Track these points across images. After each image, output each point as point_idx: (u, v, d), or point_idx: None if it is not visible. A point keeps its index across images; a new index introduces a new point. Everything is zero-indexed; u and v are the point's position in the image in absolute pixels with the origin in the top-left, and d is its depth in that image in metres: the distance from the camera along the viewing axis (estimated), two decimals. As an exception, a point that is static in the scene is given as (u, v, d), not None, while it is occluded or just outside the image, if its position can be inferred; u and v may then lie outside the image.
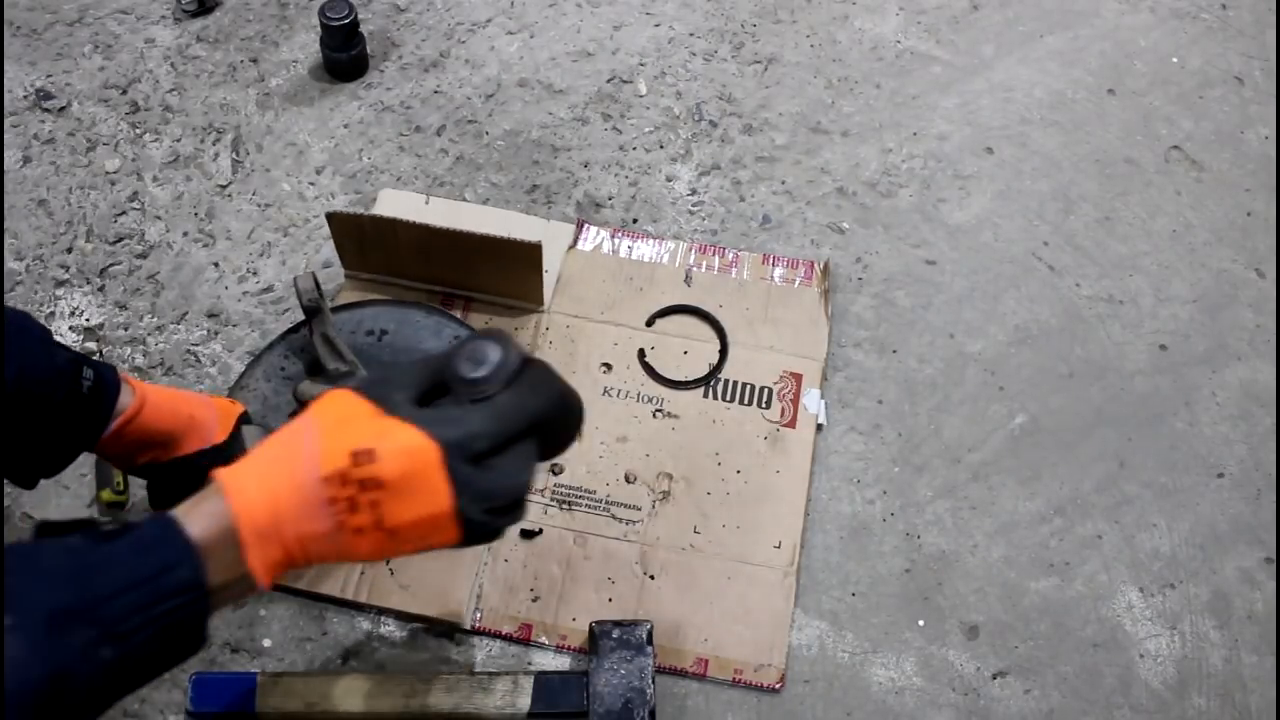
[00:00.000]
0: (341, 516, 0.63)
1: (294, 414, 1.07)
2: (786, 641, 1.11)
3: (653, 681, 1.02)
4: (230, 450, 0.94)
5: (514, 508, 0.69)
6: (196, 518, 0.61)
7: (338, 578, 1.12)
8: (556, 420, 0.73)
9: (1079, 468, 1.26)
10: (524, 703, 1.01)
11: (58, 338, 1.25)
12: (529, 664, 1.11)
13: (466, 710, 1.01)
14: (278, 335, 1.19)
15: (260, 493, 0.62)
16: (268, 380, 1.16)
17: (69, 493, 1.16)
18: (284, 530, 0.63)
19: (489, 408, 0.67)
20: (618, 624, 1.06)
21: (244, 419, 0.98)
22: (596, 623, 1.06)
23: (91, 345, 1.26)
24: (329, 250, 1.32)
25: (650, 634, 1.05)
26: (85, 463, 1.17)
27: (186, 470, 0.92)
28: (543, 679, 1.03)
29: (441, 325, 1.20)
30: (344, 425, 0.64)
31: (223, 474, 0.64)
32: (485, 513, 0.66)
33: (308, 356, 1.17)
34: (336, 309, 1.19)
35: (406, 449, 0.63)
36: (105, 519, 0.60)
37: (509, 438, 0.67)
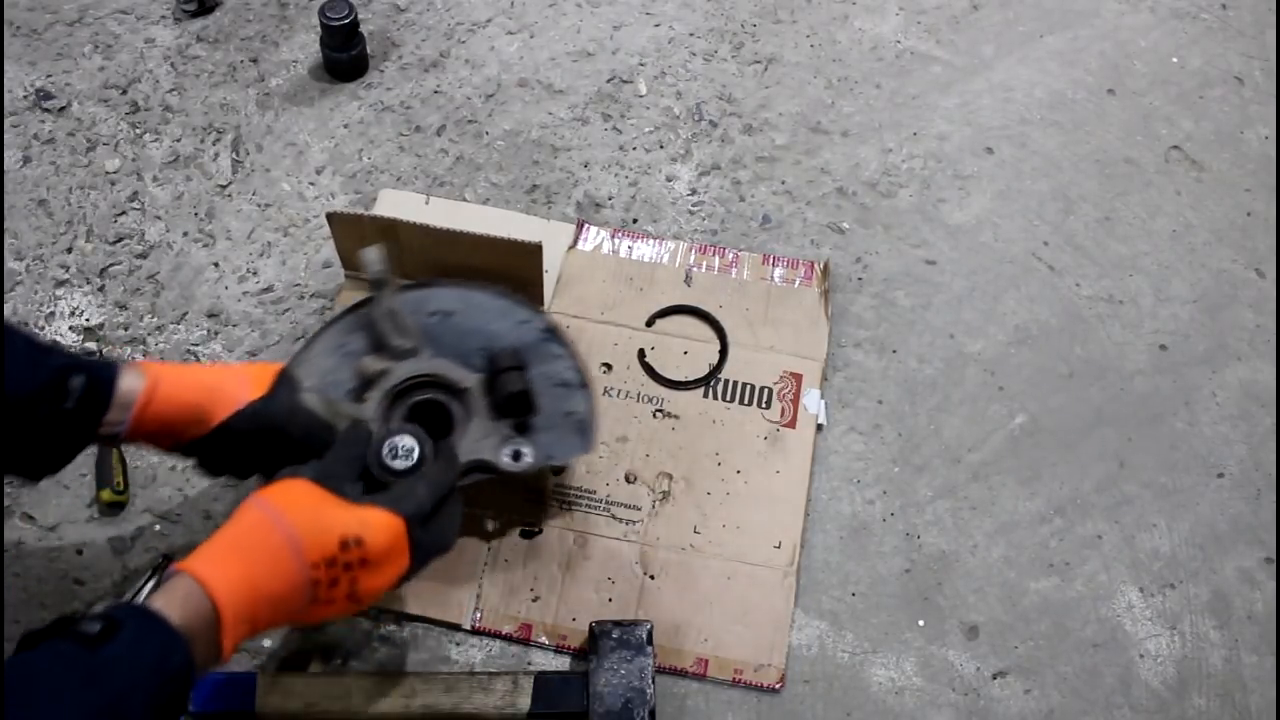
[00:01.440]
0: (320, 593, 0.78)
1: (354, 390, 1.07)
2: (786, 641, 1.11)
3: (653, 681, 1.02)
4: (272, 405, 0.92)
5: (446, 551, 0.90)
6: (177, 608, 0.71)
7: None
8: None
9: (1079, 468, 1.26)
10: (524, 703, 1.01)
11: (58, 337, 1.25)
12: (529, 664, 1.11)
13: (466, 710, 1.01)
14: (340, 310, 1.15)
15: (242, 584, 0.74)
16: (328, 356, 1.12)
17: (69, 493, 1.16)
18: (259, 613, 0.75)
19: (424, 483, 0.88)
20: (618, 624, 1.06)
21: (289, 378, 0.96)
22: (596, 623, 1.06)
23: (91, 345, 1.26)
24: (329, 250, 1.32)
25: (650, 634, 1.05)
26: (86, 463, 1.17)
27: (230, 434, 0.91)
28: (543, 679, 1.03)
29: (509, 308, 1.15)
30: (320, 516, 0.80)
31: (198, 567, 0.73)
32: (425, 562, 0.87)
33: (371, 333, 1.12)
34: (405, 286, 1.14)
35: (386, 528, 0.81)
36: (80, 615, 0.66)
37: (442, 500, 0.88)
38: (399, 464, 0.90)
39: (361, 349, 1.12)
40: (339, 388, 1.08)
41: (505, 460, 1.02)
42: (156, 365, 0.90)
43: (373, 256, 1.09)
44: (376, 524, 0.81)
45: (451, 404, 1.06)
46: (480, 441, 1.03)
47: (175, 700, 0.67)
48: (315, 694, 1.02)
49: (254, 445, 0.92)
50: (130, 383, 0.87)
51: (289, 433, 0.93)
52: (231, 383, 0.92)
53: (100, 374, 0.86)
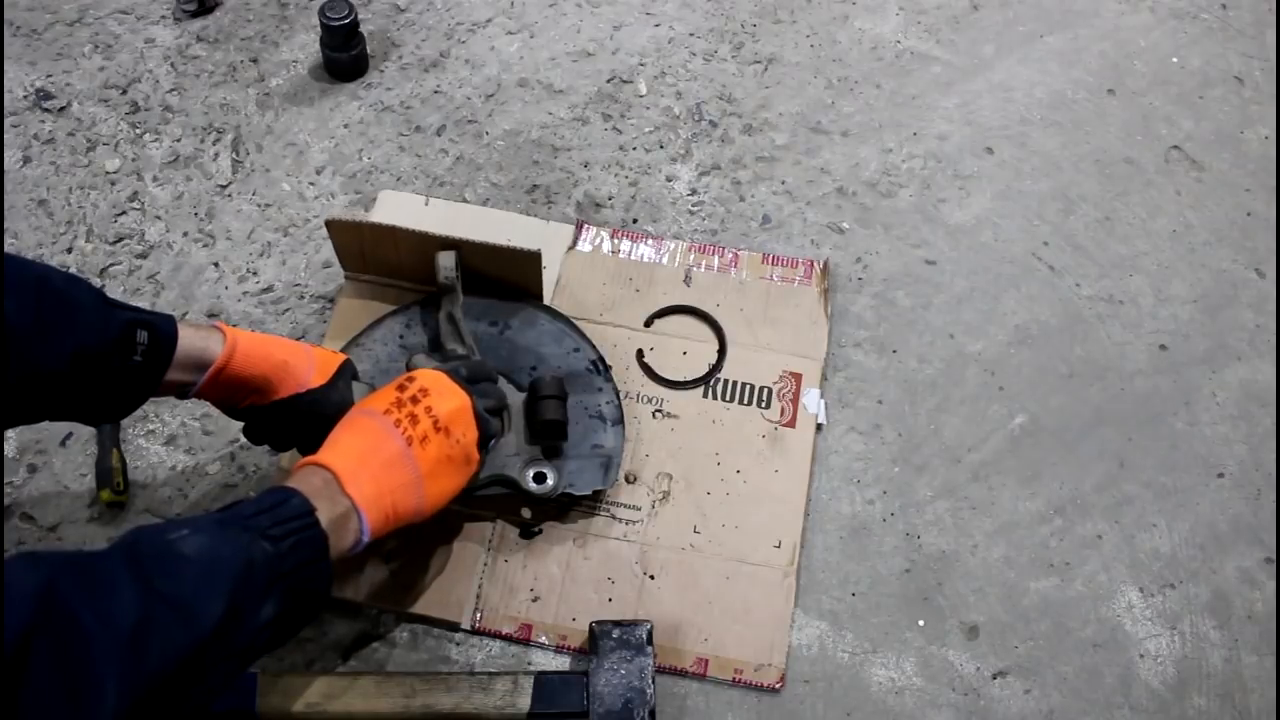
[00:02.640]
0: (407, 430, 0.88)
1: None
2: (786, 641, 1.11)
3: (653, 681, 1.02)
4: (331, 395, 0.98)
5: (499, 412, 1.07)
6: (296, 478, 0.82)
7: (338, 578, 1.11)
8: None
9: (1079, 468, 1.26)
10: (524, 702, 1.01)
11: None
12: (529, 664, 1.11)
13: (466, 710, 1.01)
14: (405, 304, 1.21)
15: (340, 450, 0.85)
16: (384, 344, 1.18)
17: (69, 493, 1.16)
18: (369, 462, 0.85)
19: (461, 364, 1.03)
20: (617, 624, 1.06)
21: (348, 370, 1.01)
22: (596, 623, 1.06)
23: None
24: (329, 250, 1.32)
25: (650, 634, 1.05)
26: (85, 463, 1.17)
27: (286, 411, 0.96)
28: (543, 679, 1.03)
29: (563, 333, 1.21)
30: (376, 392, 0.94)
31: (305, 459, 0.85)
32: (485, 410, 0.97)
33: (429, 331, 1.19)
34: (467, 294, 1.18)
35: (428, 371, 0.95)
36: None
37: (476, 376, 1.02)
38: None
39: (418, 344, 1.18)
40: (388, 378, 1.10)
41: (529, 482, 1.07)
42: (234, 330, 0.93)
43: (446, 262, 1.15)
44: (420, 370, 0.95)
45: (492, 417, 1.10)
46: (509, 458, 1.08)
47: (305, 538, 0.78)
48: (315, 694, 1.01)
49: (304, 425, 0.97)
50: (209, 344, 0.91)
51: (336, 421, 0.97)
52: (300, 362, 0.97)
53: (163, 328, 0.88)
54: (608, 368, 1.20)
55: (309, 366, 0.97)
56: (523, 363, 1.18)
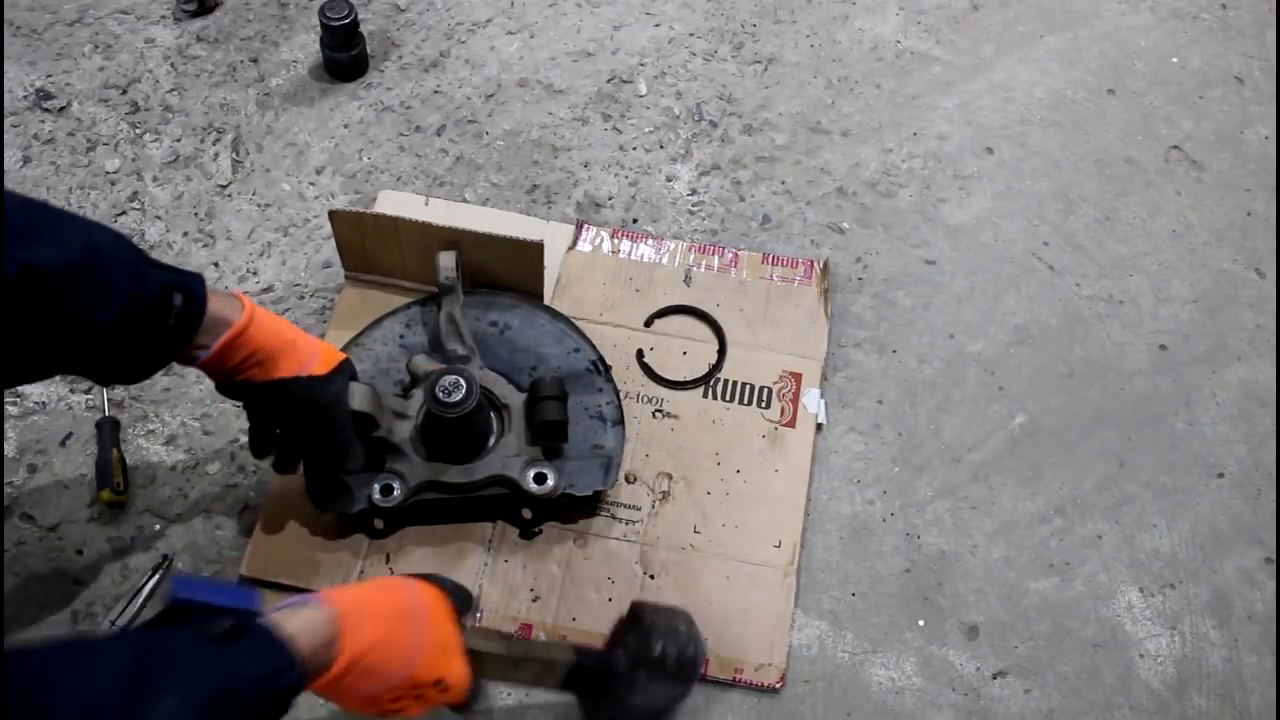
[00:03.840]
0: (385, 701, 0.81)
1: (404, 384, 1.13)
2: (787, 641, 1.11)
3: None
4: (329, 386, 0.97)
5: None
6: (308, 634, 0.74)
7: (337, 577, 1.11)
8: None
9: (1079, 468, 1.26)
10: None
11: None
12: (529, 664, 1.11)
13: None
14: (405, 304, 1.21)
15: (368, 649, 0.77)
16: (384, 344, 1.18)
17: (69, 493, 1.16)
18: (358, 681, 0.77)
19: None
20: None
21: (348, 368, 1.00)
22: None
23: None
24: (329, 250, 1.32)
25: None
26: (86, 463, 1.17)
27: (282, 392, 0.94)
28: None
29: (563, 333, 1.21)
30: (443, 647, 0.84)
31: (342, 603, 0.78)
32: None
33: (429, 331, 1.19)
34: (467, 293, 1.19)
35: (463, 684, 0.85)
36: (200, 608, 0.71)
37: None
38: (450, 398, 1.02)
39: (418, 344, 1.18)
40: (388, 378, 1.15)
41: (529, 482, 1.07)
42: (250, 301, 0.93)
43: (446, 262, 1.15)
44: (461, 678, 0.85)
45: (491, 417, 1.12)
46: (510, 459, 1.08)
47: (282, 707, 0.72)
48: None
49: (294, 410, 0.97)
50: (228, 311, 0.90)
51: (330, 414, 0.98)
52: (307, 346, 0.96)
53: (195, 290, 0.88)
54: (608, 368, 1.19)
55: (314, 353, 0.97)
56: (523, 363, 1.18)
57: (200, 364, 0.92)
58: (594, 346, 1.20)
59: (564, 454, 1.12)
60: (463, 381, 1.02)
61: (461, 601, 0.89)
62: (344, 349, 1.13)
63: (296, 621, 0.73)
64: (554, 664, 0.92)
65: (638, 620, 0.95)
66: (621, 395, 1.19)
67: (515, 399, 1.12)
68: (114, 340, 0.83)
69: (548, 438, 1.09)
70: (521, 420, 1.10)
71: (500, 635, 1.01)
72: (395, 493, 1.06)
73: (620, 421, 1.16)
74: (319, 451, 1.04)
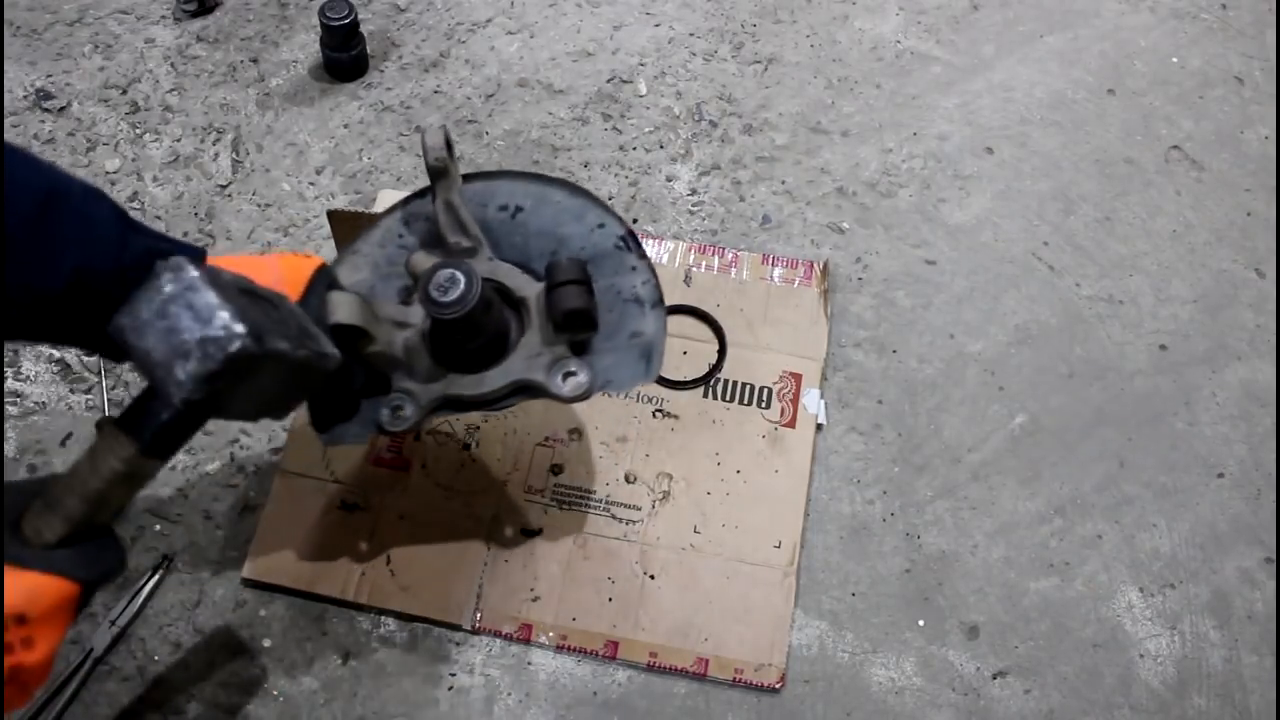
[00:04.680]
0: None
1: (407, 288, 0.98)
2: (787, 641, 1.11)
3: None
4: (306, 309, 0.83)
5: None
6: None
7: (338, 578, 1.12)
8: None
9: (1079, 468, 1.26)
10: None
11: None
12: (529, 663, 1.11)
13: None
14: (401, 199, 1.04)
15: None
16: (382, 246, 1.01)
17: (69, 493, 1.16)
18: None
19: (112, 552, 0.76)
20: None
21: (323, 279, 0.87)
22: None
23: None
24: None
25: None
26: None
27: None
28: None
29: (585, 209, 1.02)
30: None
31: None
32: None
33: (427, 225, 1.01)
34: (469, 177, 1.03)
35: (55, 597, 0.69)
36: None
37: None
38: (446, 296, 0.85)
39: (418, 243, 1.01)
40: (389, 283, 0.99)
41: (558, 384, 0.91)
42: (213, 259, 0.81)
43: (434, 140, 0.95)
44: (41, 594, 0.69)
45: (508, 314, 0.96)
46: (531, 360, 0.92)
47: None
48: None
49: None
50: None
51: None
52: (263, 279, 0.83)
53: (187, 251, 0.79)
54: (639, 243, 1.00)
55: (274, 281, 0.83)
56: (541, 248, 1.00)
57: None
58: (620, 220, 1.02)
59: (594, 347, 0.95)
60: (459, 275, 0.86)
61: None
62: (340, 258, 1.02)
63: None
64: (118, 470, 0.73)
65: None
66: (621, 395, 1.15)
67: (533, 290, 0.95)
68: (77, 304, 0.74)
69: (573, 329, 0.93)
70: (541, 314, 0.94)
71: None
72: (406, 412, 0.91)
73: (660, 303, 0.97)
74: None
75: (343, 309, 0.84)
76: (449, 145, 0.97)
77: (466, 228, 0.97)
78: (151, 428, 0.73)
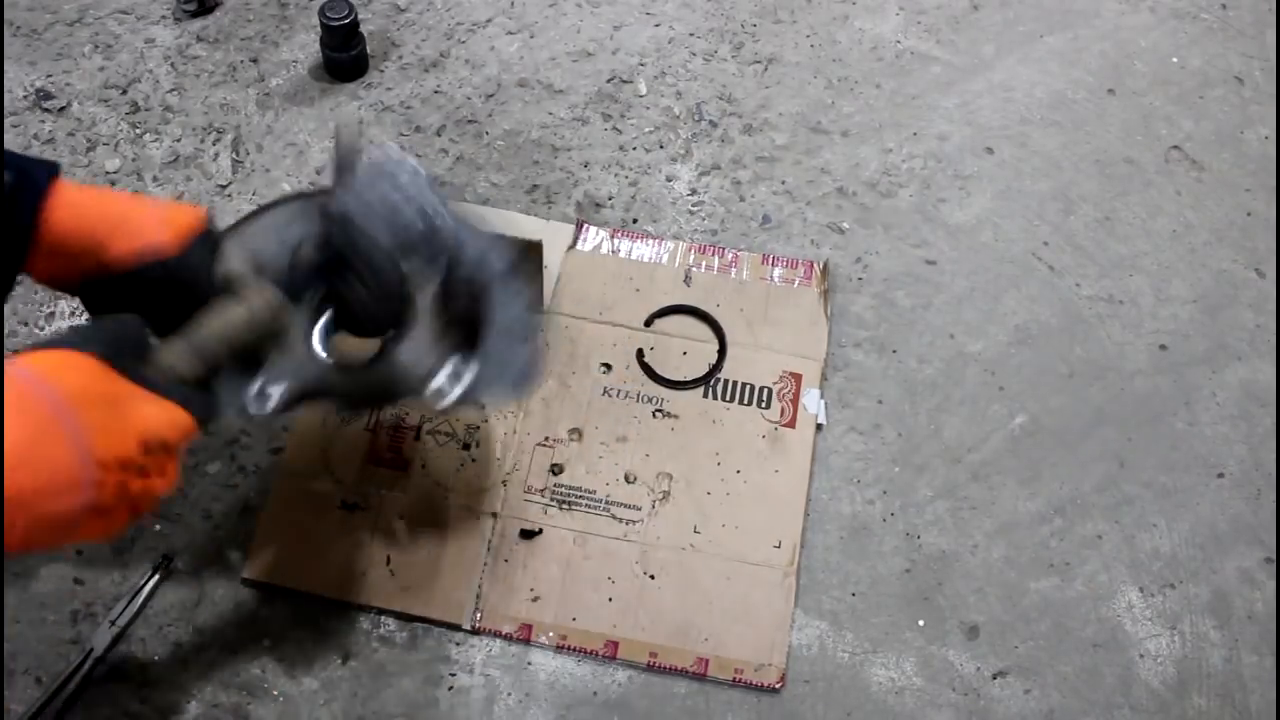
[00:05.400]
0: (103, 500, 0.64)
1: (289, 281, 0.90)
2: (787, 641, 1.11)
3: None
4: (189, 262, 0.79)
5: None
6: None
7: (338, 578, 1.12)
8: None
9: (1079, 468, 1.26)
10: None
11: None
12: (529, 663, 1.11)
13: None
14: (290, 194, 1.02)
15: (11, 494, 0.58)
16: (266, 237, 0.95)
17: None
18: (16, 520, 0.58)
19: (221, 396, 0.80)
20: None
21: (210, 234, 0.83)
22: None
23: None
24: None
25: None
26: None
27: (132, 285, 0.78)
28: None
29: (482, 224, 1.00)
30: (117, 409, 0.65)
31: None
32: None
33: (311, 226, 0.95)
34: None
35: (184, 431, 0.70)
36: None
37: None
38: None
39: (302, 235, 0.95)
40: (265, 274, 0.92)
41: (438, 384, 0.90)
42: (63, 182, 0.76)
43: (346, 133, 0.94)
44: (179, 425, 0.69)
45: (408, 287, 0.93)
46: (413, 362, 0.91)
47: None
48: None
49: (160, 296, 0.79)
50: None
51: (195, 297, 0.80)
52: (144, 218, 0.79)
53: (33, 174, 0.74)
54: (527, 269, 1.01)
55: (157, 224, 0.78)
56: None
57: (34, 278, 0.78)
58: (511, 241, 1.01)
59: (475, 360, 0.93)
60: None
61: (124, 335, 0.70)
62: (223, 236, 0.94)
63: None
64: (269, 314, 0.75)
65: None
66: (621, 395, 1.17)
67: (428, 285, 0.93)
68: None
69: (460, 336, 0.93)
70: (431, 312, 0.92)
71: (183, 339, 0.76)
72: (272, 397, 0.86)
73: (538, 327, 1.01)
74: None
75: (235, 259, 0.83)
76: (359, 138, 1.00)
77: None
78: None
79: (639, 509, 1.17)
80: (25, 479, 0.58)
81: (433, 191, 0.94)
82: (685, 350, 1.27)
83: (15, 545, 0.59)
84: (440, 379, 0.90)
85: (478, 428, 1.20)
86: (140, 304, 0.79)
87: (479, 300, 0.93)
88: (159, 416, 0.68)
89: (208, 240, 0.83)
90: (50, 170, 0.75)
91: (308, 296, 0.90)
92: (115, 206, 0.78)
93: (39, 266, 0.78)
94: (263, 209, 0.97)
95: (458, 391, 0.90)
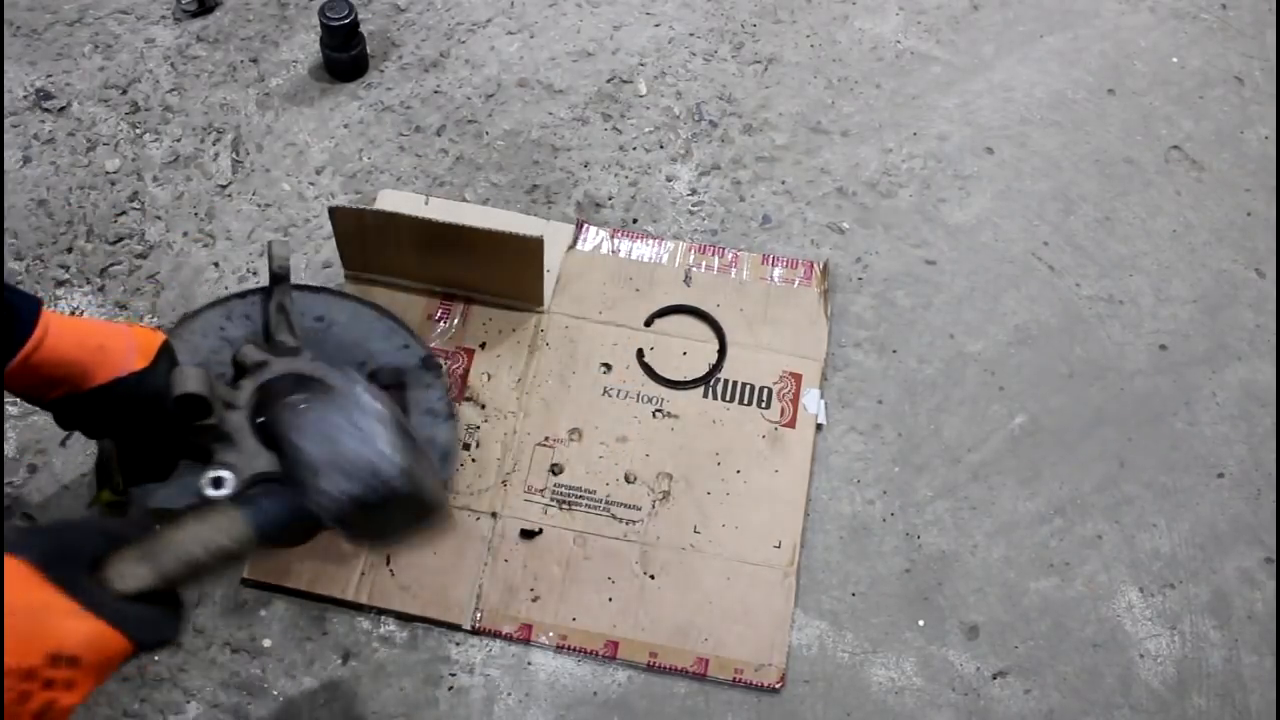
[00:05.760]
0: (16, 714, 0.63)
1: (229, 378, 1.04)
2: (787, 641, 1.11)
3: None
4: (152, 379, 0.90)
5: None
6: None
7: (338, 578, 1.12)
8: None
9: (1079, 468, 1.26)
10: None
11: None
12: (529, 663, 1.11)
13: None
14: (223, 296, 1.15)
15: None
16: (204, 336, 1.12)
17: (69, 493, 1.16)
18: None
19: (164, 614, 0.73)
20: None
21: (169, 351, 0.94)
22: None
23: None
24: (329, 250, 1.32)
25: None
26: (86, 463, 1.17)
27: (102, 399, 0.88)
28: None
29: (392, 330, 1.17)
30: (34, 619, 0.64)
31: None
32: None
33: (250, 324, 1.14)
34: (296, 287, 1.15)
35: (109, 650, 0.66)
36: None
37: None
38: (213, 491, 0.88)
39: (240, 337, 1.11)
40: (214, 370, 1.04)
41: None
42: (48, 314, 0.85)
43: (281, 251, 1.13)
44: (101, 644, 0.66)
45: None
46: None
47: None
48: None
49: (124, 411, 0.90)
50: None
51: (158, 406, 0.90)
52: (118, 345, 0.89)
53: (19, 309, 0.81)
54: (438, 365, 1.17)
55: (129, 348, 0.89)
56: (351, 358, 1.14)
57: (7, 388, 0.85)
58: (423, 344, 1.18)
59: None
60: (231, 477, 0.90)
61: (70, 543, 0.69)
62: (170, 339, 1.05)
63: None
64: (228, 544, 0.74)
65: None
66: (621, 394, 1.18)
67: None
68: None
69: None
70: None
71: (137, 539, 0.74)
72: (225, 486, 0.92)
73: (453, 416, 1.14)
74: (144, 446, 0.96)
75: (192, 380, 0.90)
76: (289, 256, 1.14)
77: (294, 330, 1.09)
78: (275, 522, 0.75)
79: (639, 509, 1.17)
80: None
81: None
82: (685, 350, 1.27)
83: None
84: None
85: (478, 427, 1.21)
86: (106, 415, 0.89)
87: (403, 395, 1.07)
88: (77, 632, 0.65)
89: (166, 353, 0.93)
90: (35, 306, 0.82)
91: (251, 394, 0.99)
92: (96, 338, 0.87)
93: (25, 384, 0.85)
94: (202, 309, 1.13)
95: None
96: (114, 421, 0.92)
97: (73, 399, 0.88)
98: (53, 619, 0.64)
